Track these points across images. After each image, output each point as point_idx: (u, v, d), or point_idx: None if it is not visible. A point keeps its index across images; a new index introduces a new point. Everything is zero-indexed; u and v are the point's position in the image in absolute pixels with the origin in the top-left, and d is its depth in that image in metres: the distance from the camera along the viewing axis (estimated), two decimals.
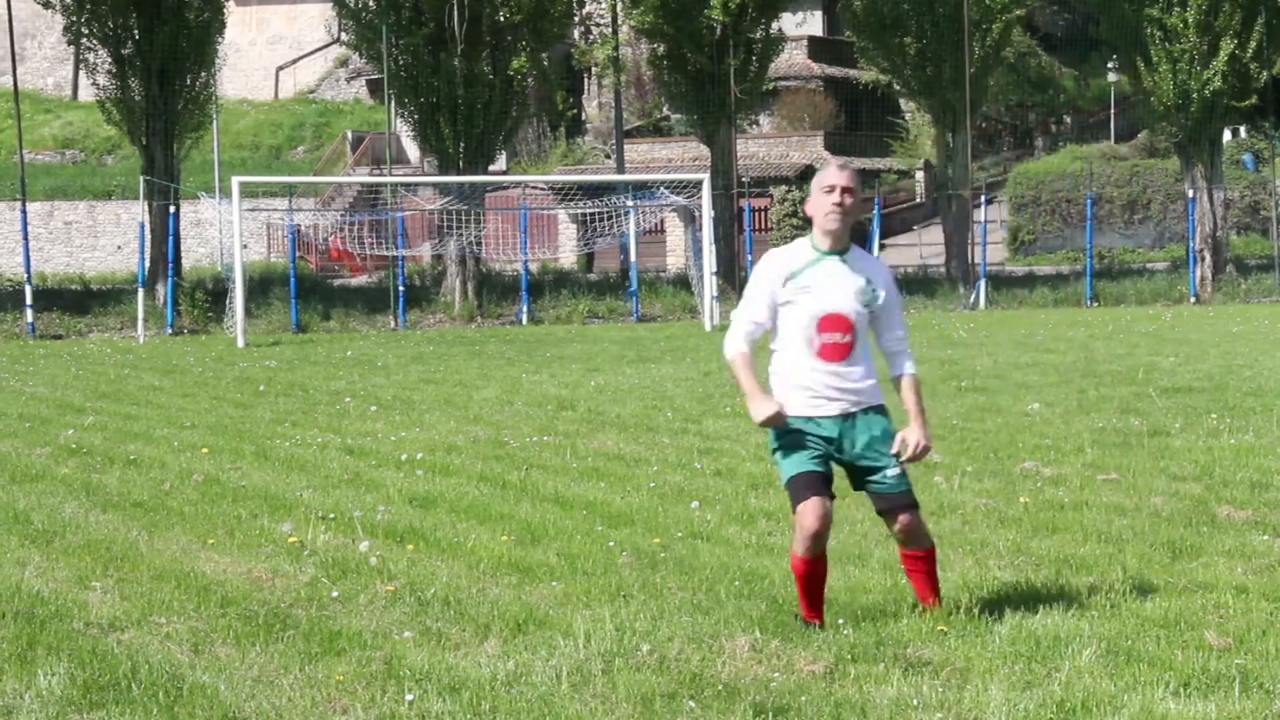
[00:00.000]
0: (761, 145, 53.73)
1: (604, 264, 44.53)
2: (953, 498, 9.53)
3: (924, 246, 45.76)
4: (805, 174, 50.95)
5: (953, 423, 13.06)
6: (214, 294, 31.05)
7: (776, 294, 6.34)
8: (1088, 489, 9.74)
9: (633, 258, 32.86)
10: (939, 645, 6.19)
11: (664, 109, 56.16)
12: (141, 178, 31.64)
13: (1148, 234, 47.32)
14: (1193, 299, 32.97)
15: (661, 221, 42.66)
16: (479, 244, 33.06)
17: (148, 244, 31.21)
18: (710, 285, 28.78)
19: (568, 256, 47.54)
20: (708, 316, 28.37)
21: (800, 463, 6.29)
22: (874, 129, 57.54)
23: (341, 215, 41.26)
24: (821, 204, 6.30)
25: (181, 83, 32.06)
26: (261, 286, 33.12)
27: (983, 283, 33.45)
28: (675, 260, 46.52)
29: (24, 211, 32.38)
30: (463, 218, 31.98)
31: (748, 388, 6.28)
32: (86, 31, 32.03)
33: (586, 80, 60.01)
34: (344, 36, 40.08)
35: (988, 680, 5.73)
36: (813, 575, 6.39)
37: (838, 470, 6.41)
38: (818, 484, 6.26)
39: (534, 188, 46.59)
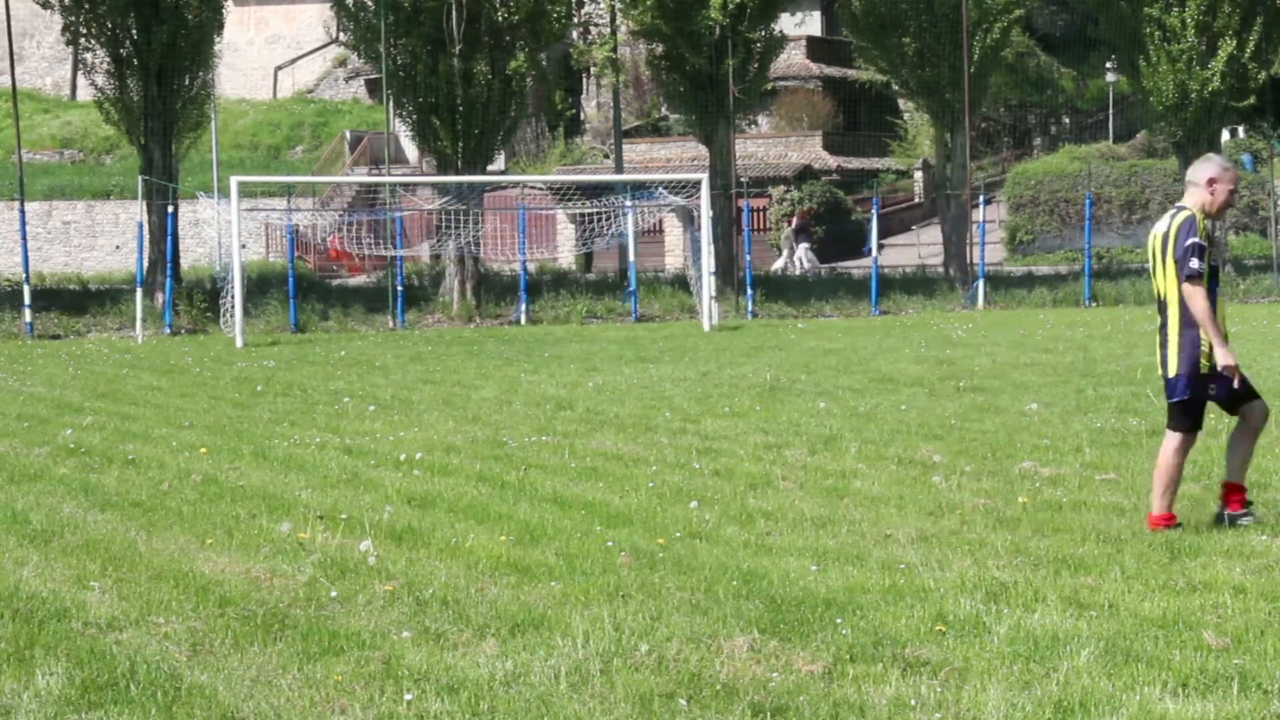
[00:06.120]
0: (760, 145, 53.72)
1: (602, 264, 44.52)
2: (951, 497, 9.53)
3: (922, 246, 45.74)
4: (804, 174, 50.91)
5: (951, 422, 13.07)
6: (211, 294, 31.02)
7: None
8: (1086, 489, 9.74)
9: (631, 257, 32.84)
10: (937, 645, 6.19)
11: (662, 109, 56.15)
12: (140, 177, 31.57)
13: (1146, 234, 47.24)
14: None
15: (660, 221, 42.63)
16: (477, 244, 33.03)
17: (146, 244, 31.17)
18: (709, 285, 28.75)
19: (566, 256, 47.52)
20: (706, 317, 28.35)
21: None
22: (872, 129, 57.55)
23: (340, 215, 41.22)
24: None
25: (180, 82, 32.00)
26: (260, 286, 33.09)
27: (981, 283, 33.43)
28: (674, 260, 46.49)
29: (22, 211, 32.32)
30: (461, 218, 31.96)
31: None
32: (84, 31, 31.97)
33: (585, 80, 59.99)
34: (342, 36, 40.05)
35: (986, 680, 5.73)
36: None
37: None
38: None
39: (532, 188, 46.57)
